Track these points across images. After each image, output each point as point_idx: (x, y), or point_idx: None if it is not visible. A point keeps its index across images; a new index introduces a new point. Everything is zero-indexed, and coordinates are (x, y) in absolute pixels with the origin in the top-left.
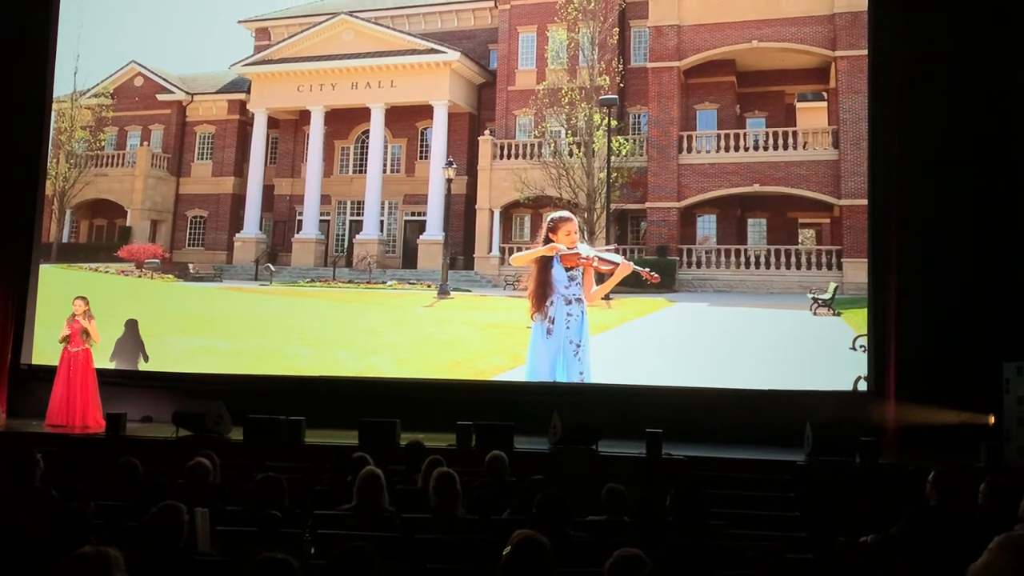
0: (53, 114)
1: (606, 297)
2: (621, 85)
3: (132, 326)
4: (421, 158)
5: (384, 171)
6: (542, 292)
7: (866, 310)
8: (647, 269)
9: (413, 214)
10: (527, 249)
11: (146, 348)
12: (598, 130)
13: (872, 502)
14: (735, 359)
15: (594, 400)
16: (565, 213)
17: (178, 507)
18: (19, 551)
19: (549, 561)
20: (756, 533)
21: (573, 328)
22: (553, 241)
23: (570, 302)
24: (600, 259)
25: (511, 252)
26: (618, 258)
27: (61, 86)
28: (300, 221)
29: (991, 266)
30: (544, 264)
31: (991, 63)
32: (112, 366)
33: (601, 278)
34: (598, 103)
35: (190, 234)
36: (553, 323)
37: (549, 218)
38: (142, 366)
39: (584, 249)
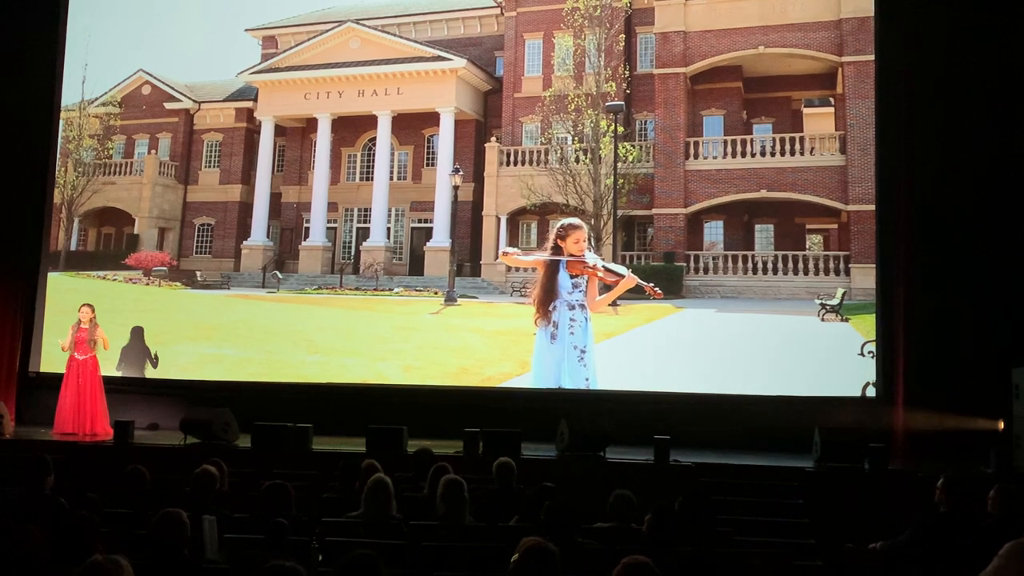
0: (61, 123)
1: (613, 304)
2: (627, 91)
3: (138, 333)
4: (428, 165)
5: (391, 178)
6: (546, 297)
7: (874, 316)
8: (651, 284)
9: (420, 221)
10: (532, 254)
11: (153, 355)
12: (605, 136)
13: (881, 509)
14: (742, 365)
15: (601, 407)
16: (575, 221)
17: (179, 514)
18: (26, 560)
19: (557, 568)
20: (764, 540)
21: (577, 333)
22: (562, 248)
23: (573, 307)
24: (606, 269)
25: None
26: (623, 270)
27: (69, 95)
28: (307, 228)
29: (1000, 271)
30: (550, 269)
31: (998, 67)
32: (119, 374)
33: (606, 287)
34: (604, 109)
35: (198, 242)
36: (557, 328)
37: (559, 224)
38: (149, 372)
39: (591, 258)
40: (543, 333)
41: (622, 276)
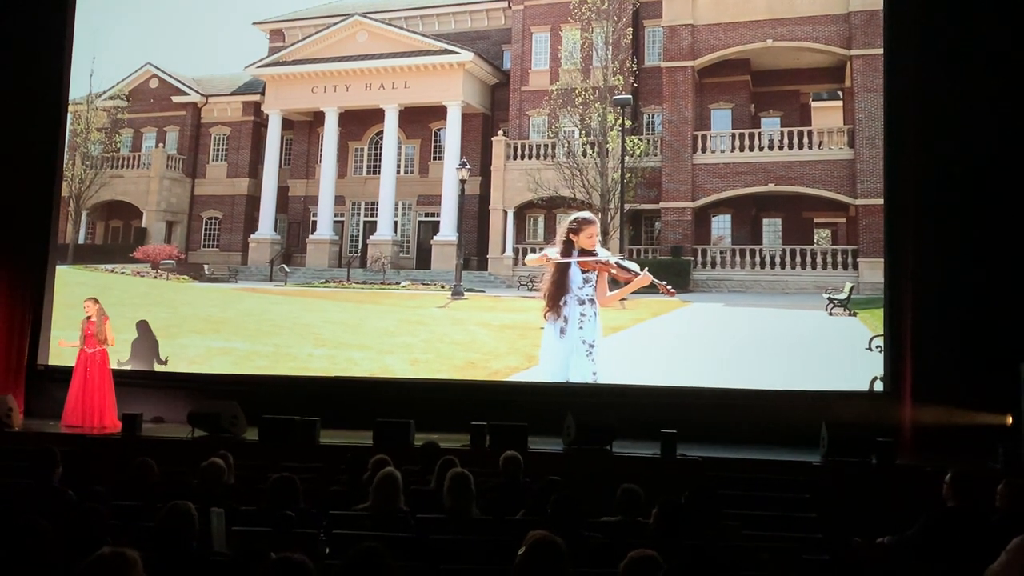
0: (69, 116)
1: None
2: (635, 85)
3: (144, 327)
4: (435, 159)
5: (398, 172)
6: (557, 292)
7: (882, 310)
8: (664, 283)
9: (427, 215)
10: (543, 249)
11: (161, 348)
12: (612, 130)
13: (888, 503)
14: (750, 360)
15: (608, 400)
16: (588, 215)
17: (187, 506)
18: (36, 552)
19: (563, 562)
20: (771, 534)
21: (587, 328)
22: (574, 242)
23: (583, 302)
24: (619, 266)
25: (525, 253)
26: (636, 267)
27: (77, 88)
28: (314, 222)
29: (1008, 266)
30: (562, 264)
31: (1008, 60)
32: (128, 367)
33: (615, 282)
34: (612, 103)
35: (205, 235)
36: (567, 323)
37: (572, 218)
38: (158, 367)
39: (603, 253)
40: (552, 327)
41: (636, 273)
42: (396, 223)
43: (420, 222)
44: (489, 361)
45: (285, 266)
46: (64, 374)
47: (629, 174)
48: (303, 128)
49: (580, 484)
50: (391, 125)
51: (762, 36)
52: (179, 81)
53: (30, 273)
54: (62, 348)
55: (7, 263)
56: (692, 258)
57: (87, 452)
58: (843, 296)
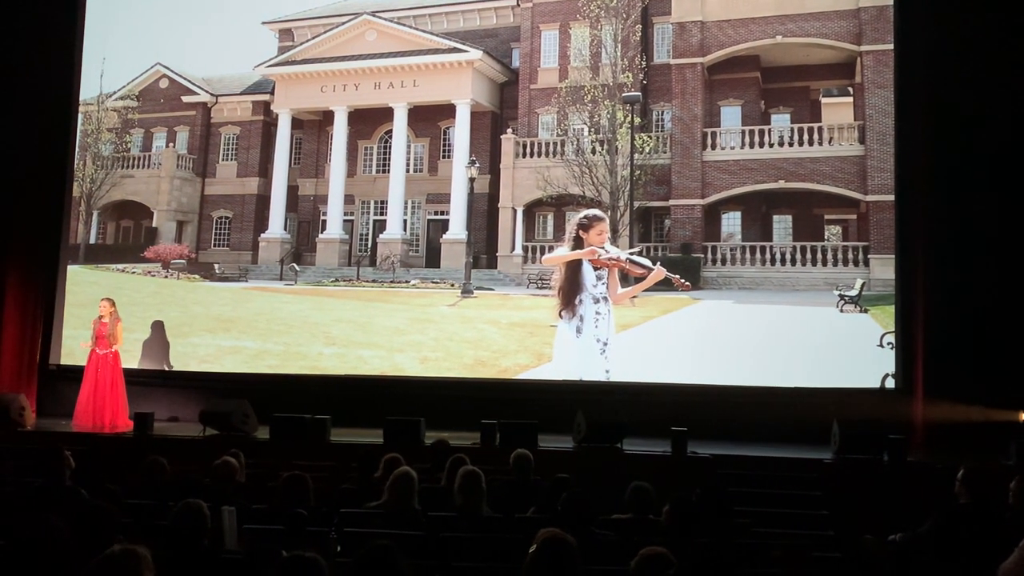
0: (80, 116)
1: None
2: (644, 82)
3: (159, 327)
4: (444, 157)
5: (407, 170)
6: (572, 290)
7: (893, 307)
8: (678, 276)
9: (436, 213)
10: (557, 248)
11: (172, 348)
12: (621, 127)
13: (900, 501)
14: (760, 357)
15: (618, 398)
16: (598, 212)
17: (199, 505)
18: (49, 550)
19: (574, 560)
20: (783, 532)
21: (601, 326)
22: (584, 239)
23: (598, 300)
24: (632, 262)
25: (534, 251)
26: (648, 262)
27: (87, 89)
28: (324, 221)
29: (1020, 261)
30: (575, 262)
31: (1019, 54)
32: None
33: (625, 278)
34: (621, 100)
35: (215, 234)
36: (583, 321)
37: (582, 215)
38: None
39: (614, 251)
40: (567, 326)
41: (649, 268)
42: (405, 221)
43: (429, 220)
44: (499, 359)
45: (295, 265)
46: (76, 374)
47: (638, 171)
48: (312, 127)
49: (590, 482)
50: (400, 124)
51: (771, 32)
52: (189, 81)
53: (42, 273)
54: (82, 348)
55: (19, 263)
56: (702, 255)
57: (99, 451)
58: (854, 293)
